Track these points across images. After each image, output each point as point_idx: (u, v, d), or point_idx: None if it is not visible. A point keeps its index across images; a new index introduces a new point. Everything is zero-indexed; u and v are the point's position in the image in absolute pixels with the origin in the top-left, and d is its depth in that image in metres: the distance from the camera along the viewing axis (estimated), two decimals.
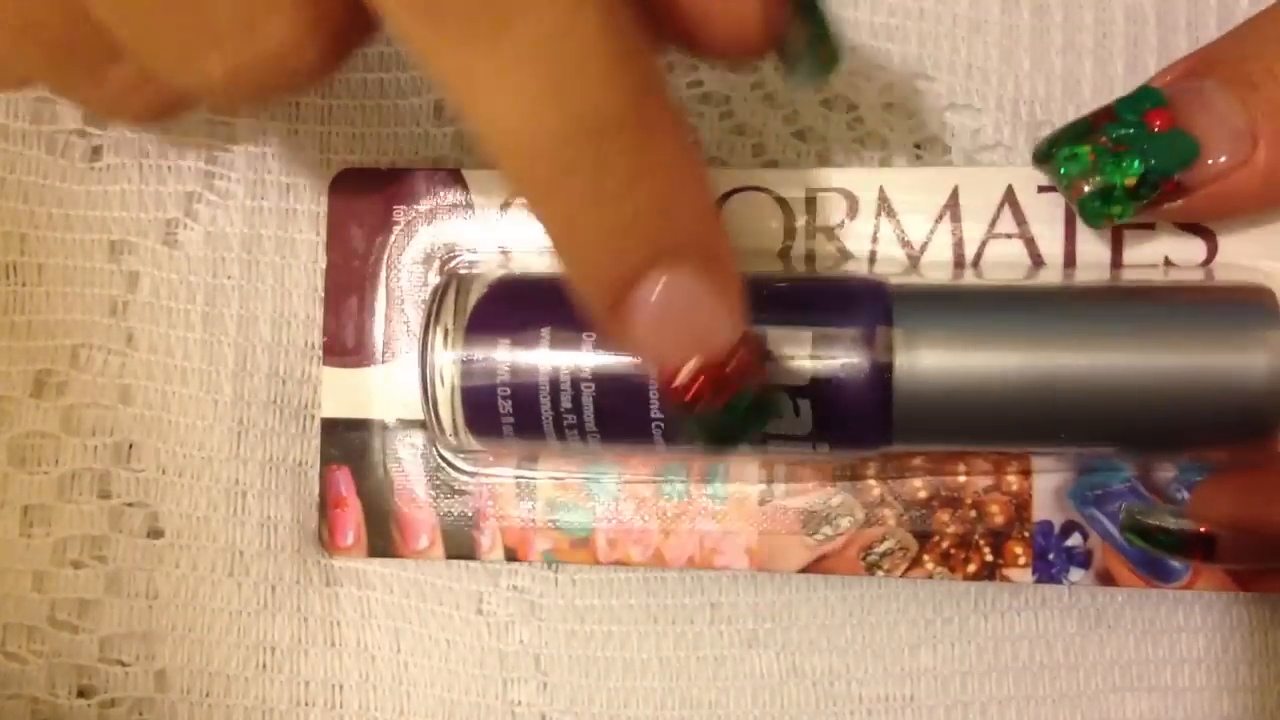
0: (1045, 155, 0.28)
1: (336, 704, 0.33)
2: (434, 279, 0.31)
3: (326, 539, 0.31)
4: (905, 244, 0.30)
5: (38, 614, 0.33)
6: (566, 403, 0.27)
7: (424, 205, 0.30)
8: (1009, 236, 0.30)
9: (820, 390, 0.26)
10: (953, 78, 0.32)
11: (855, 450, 0.28)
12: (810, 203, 0.30)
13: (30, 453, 0.33)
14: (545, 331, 0.27)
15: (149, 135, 0.33)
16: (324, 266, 0.32)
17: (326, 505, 0.31)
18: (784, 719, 0.32)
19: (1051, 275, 0.29)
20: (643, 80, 0.20)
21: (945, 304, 0.27)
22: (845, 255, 0.30)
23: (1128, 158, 0.26)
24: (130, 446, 0.33)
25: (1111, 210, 0.27)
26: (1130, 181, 0.26)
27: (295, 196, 0.33)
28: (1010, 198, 0.29)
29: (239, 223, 0.33)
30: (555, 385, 0.27)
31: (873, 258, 0.30)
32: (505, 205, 0.30)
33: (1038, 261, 0.29)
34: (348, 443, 0.31)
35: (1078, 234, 0.29)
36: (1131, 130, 0.27)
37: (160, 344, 0.33)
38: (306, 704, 0.33)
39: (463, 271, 0.30)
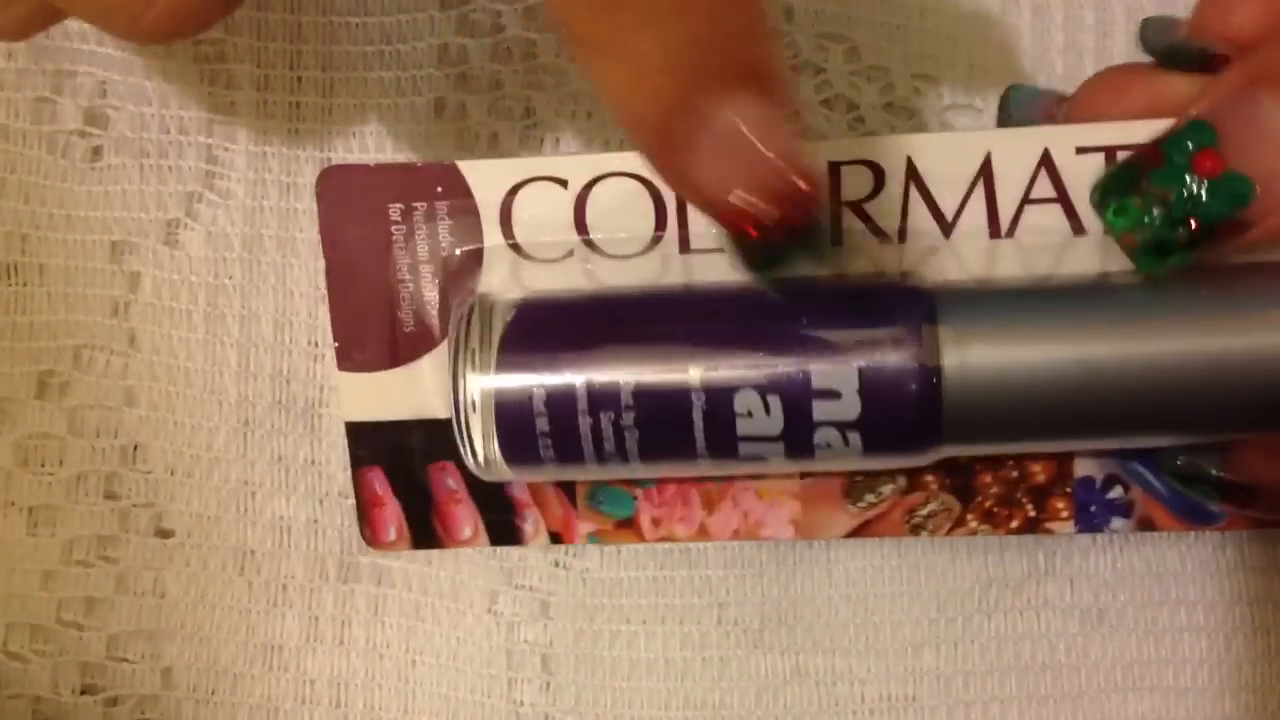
0: (1097, 204, 0.27)
1: (342, 702, 0.33)
2: (440, 272, 0.30)
3: (369, 535, 0.31)
4: (937, 215, 0.28)
5: (45, 613, 0.33)
6: (608, 425, 0.27)
7: (421, 202, 0.30)
8: (1046, 202, 0.28)
9: (869, 401, 0.26)
10: (953, 78, 0.32)
11: (906, 455, 0.28)
12: (834, 174, 0.28)
13: (35, 454, 0.33)
14: (580, 354, 0.27)
15: (149, 135, 0.33)
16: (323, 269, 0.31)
17: (364, 505, 0.31)
18: (788, 719, 0.33)
19: (1092, 243, 0.28)
20: None
21: (990, 301, 0.27)
22: (876, 231, 0.28)
23: (1179, 208, 0.25)
24: (136, 448, 0.33)
25: (1168, 261, 0.26)
26: (1183, 235, 0.25)
27: (296, 196, 0.33)
28: (1047, 160, 0.28)
29: (240, 222, 0.33)
30: (595, 408, 0.27)
31: (902, 234, 0.28)
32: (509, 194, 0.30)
33: (1078, 229, 0.28)
34: (377, 444, 0.30)
35: None
36: (1180, 175, 0.25)
37: (163, 345, 0.33)
38: (312, 702, 0.33)
39: (485, 293, 0.29)
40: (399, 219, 0.29)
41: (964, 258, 0.28)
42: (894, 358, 0.26)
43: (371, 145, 0.33)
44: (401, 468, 0.30)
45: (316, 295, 0.33)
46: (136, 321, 0.33)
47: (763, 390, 0.26)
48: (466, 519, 0.31)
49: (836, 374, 0.26)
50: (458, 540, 0.31)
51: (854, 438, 0.26)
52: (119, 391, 0.33)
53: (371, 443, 0.30)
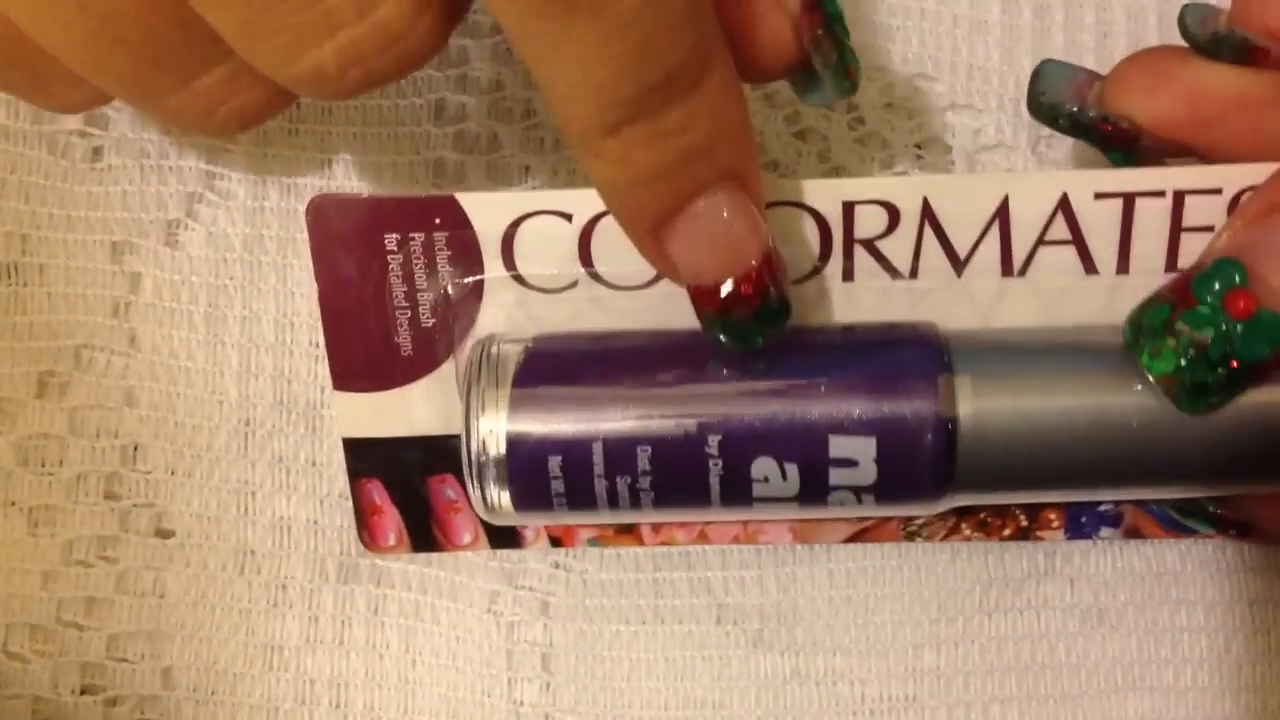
0: (1131, 344, 0.26)
1: (341, 702, 0.33)
2: (439, 303, 0.29)
3: (367, 540, 0.31)
4: (950, 254, 0.28)
5: (45, 613, 0.33)
6: (624, 487, 0.27)
7: (418, 232, 0.28)
8: (1061, 244, 0.28)
9: (886, 464, 0.26)
10: (953, 78, 0.32)
11: (919, 507, 0.28)
12: (847, 215, 0.28)
13: (35, 454, 0.33)
14: (595, 411, 0.27)
15: (150, 135, 0.33)
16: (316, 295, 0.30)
17: (362, 513, 0.31)
18: (788, 719, 0.33)
19: (1104, 282, 0.28)
20: (706, 30, 0.22)
21: (1004, 351, 0.27)
22: (889, 268, 0.28)
23: (1216, 350, 0.24)
24: (136, 448, 0.33)
25: (1210, 402, 0.25)
26: (1223, 377, 0.25)
27: (296, 196, 0.33)
28: (1065, 204, 0.27)
29: (240, 223, 0.33)
30: (611, 472, 0.27)
31: (914, 271, 0.28)
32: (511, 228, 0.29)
33: (1090, 269, 0.28)
34: (374, 458, 0.30)
35: (1134, 240, 0.28)
36: (1213, 318, 0.24)
37: (164, 345, 0.33)
38: (311, 702, 0.33)
39: (494, 335, 0.28)
40: (395, 249, 0.28)
41: (975, 296, 0.28)
42: (911, 424, 0.26)
43: (373, 146, 0.33)
44: (400, 480, 0.30)
45: (317, 296, 0.33)
46: (137, 322, 0.33)
47: (780, 458, 0.26)
48: (466, 526, 0.31)
49: (854, 445, 0.26)
50: (458, 546, 0.31)
51: (868, 498, 0.27)
52: (119, 392, 0.33)
53: (369, 457, 0.30)
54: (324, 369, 0.33)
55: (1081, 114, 0.27)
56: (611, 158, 0.23)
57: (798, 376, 0.27)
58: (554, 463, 0.27)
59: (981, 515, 0.31)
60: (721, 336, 0.26)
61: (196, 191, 0.33)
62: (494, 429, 0.27)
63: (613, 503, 0.27)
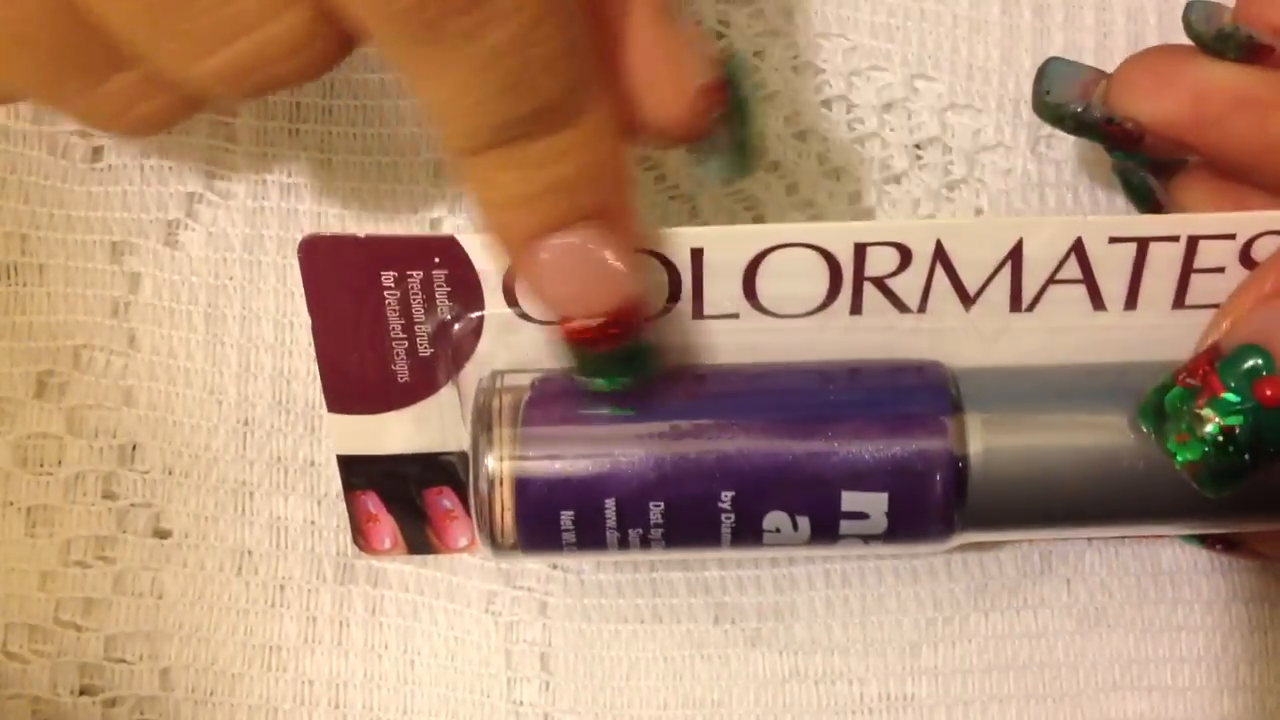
0: (1153, 430, 0.26)
1: (340, 703, 0.33)
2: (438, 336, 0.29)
3: (362, 544, 0.31)
4: (960, 290, 0.28)
5: (43, 613, 0.33)
6: (635, 537, 0.27)
7: (416, 270, 0.28)
8: (1070, 282, 0.27)
9: (896, 516, 0.26)
10: (953, 78, 0.32)
11: (922, 544, 0.28)
12: (859, 254, 0.27)
13: (34, 454, 0.33)
14: (605, 459, 0.27)
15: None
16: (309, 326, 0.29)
17: (358, 520, 0.31)
18: (786, 718, 0.32)
19: (1111, 319, 0.28)
20: (582, 74, 0.23)
21: (1013, 389, 0.27)
22: (897, 304, 0.28)
23: (1243, 437, 0.24)
24: (134, 447, 0.33)
25: (1235, 486, 0.25)
26: (1249, 464, 0.24)
27: (296, 196, 0.33)
28: (1078, 247, 0.27)
29: (240, 223, 0.33)
30: (624, 524, 0.27)
31: (923, 306, 0.28)
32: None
33: (1098, 305, 0.28)
34: (369, 473, 0.30)
35: (1144, 280, 0.27)
36: (1241, 406, 0.24)
37: (163, 345, 0.33)
38: (310, 703, 0.33)
39: (498, 372, 0.28)
40: (392, 285, 0.27)
41: (981, 330, 0.28)
42: (922, 474, 0.26)
43: (374, 147, 0.33)
44: (395, 493, 0.30)
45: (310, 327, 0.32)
46: (136, 322, 0.33)
47: (792, 512, 0.27)
48: (463, 532, 0.31)
49: (867, 499, 0.26)
50: (452, 549, 0.31)
51: (877, 542, 0.27)
52: (118, 391, 0.33)
53: (364, 472, 0.30)
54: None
55: (1086, 114, 0.27)
56: (477, 177, 0.24)
57: (808, 424, 0.27)
58: (565, 517, 0.27)
59: None
60: (582, 374, 0.26)
61: (196, 192, 0.33)
62: (502, 471, 0.27)
63: (623, 547, 0.27)
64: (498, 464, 0.27)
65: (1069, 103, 0.28)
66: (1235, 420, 0.24)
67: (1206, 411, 0.24)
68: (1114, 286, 0.27)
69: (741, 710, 0.33)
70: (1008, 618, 0.32)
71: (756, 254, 0.27)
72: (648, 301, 0.26)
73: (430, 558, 0.33)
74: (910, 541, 0.27)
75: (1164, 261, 0.27)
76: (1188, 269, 0.27)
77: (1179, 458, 0.25)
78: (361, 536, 0.31)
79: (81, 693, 0.33)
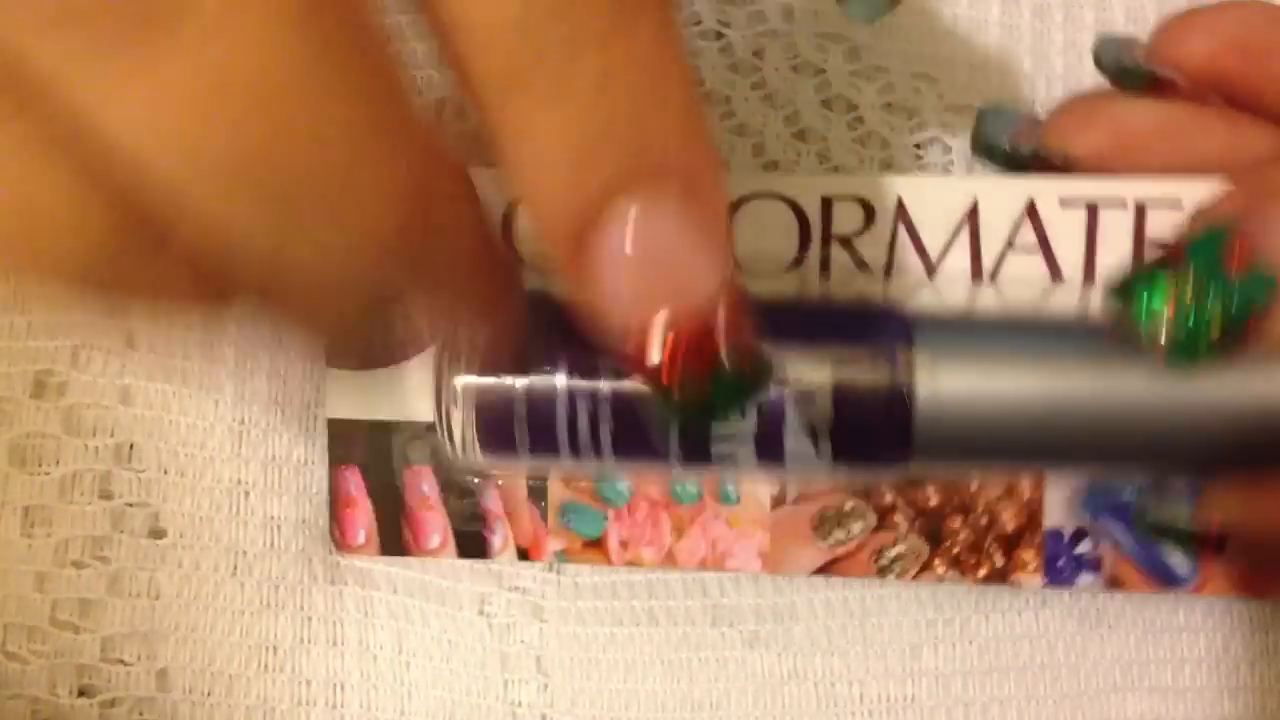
0: (1119, 298, 0.25)
1: (338, 703, 0.33)
2: None
3: (338, 538, 0.31)
4: (923, 255, 0.29)
5: (39, 614, 0.33)
6: (584, 424, 0.27)
7: None
8: (1028, 252, 0.29)
9: (841, 412, 0.26)
10: (953, 78, 0.32)
11: (874, 469, 0.28)
12: (825, 210, 0.29)
13: (31, 453, 0.33)
14: (561, 354, 0.27)
15: None
16: None
17: (336, 505, 0.31)
18: (786, 719, 0.32)
19: (1070, 292, 0.29)
20: None
21: (966, 327, 0.27)
22: (862, 265, 0.29)
23: (1210, 299, 0.24)
24: (131, 447, 0.33)
25: (1200, 357, 0.25)
26: (1214, 331, 0.24)
27: None
28: (1031, 210, 0.28)
29: None
30: (572, 408, 0.27)
31: (889, 269, 0.29)
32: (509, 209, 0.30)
33: (1056, 276, 0.29)
34: (356, 443, 0.31)
35: (1098, 249, 0.28)
36: (1210, 269, 0.24)
37: (160, 344, 0.33)
38: (308, 703, 0.33)
39: None
40: None
41: (946, 299, 0.29)
42: (869, 374, 0.26)
43: None
44: (378, 468, 0.31)
45: None
46: (135, 321, 0.33)
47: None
48: (436, 526, 0.31)
49: (813, 382, 0.26)
50: (425, 550, 0.31)
51: (825, 446, 0.26)
52: (115, 391, 0.33)
53: (351, 441, 0.31)
54: (320, 368, 0.33)
55: (1015, 152, 0.29)
56: (514, 125, 0.17)
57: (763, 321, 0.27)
58: (519, 400, 0.27)
59: (955, 551, 0.31)
60: (669, 413, 0.22)
61: None
62: (464, 378, 0.27)
63: (572, 433, 0.27)
64: (459, 369, 0.27)
65: (999, 143, 0.29)
66: (1203, 282, 0.24)
67: (1174, 279, 0.25)
68: (1070, 254, 0.28)
69: (740, 712, 0.32)
70: (1009, 619, 0.32)
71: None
72: (747, 295, 0.19)
73: (416, 561, 0.33)
74: (857, 450, 0.27)
75: (1117, 230, 0.28)
76: (1140, 239, 0.28)
77: (1146, 324, 0.25)
78: (338, 527, 0.31)
79: (80, 694, 0.33)
